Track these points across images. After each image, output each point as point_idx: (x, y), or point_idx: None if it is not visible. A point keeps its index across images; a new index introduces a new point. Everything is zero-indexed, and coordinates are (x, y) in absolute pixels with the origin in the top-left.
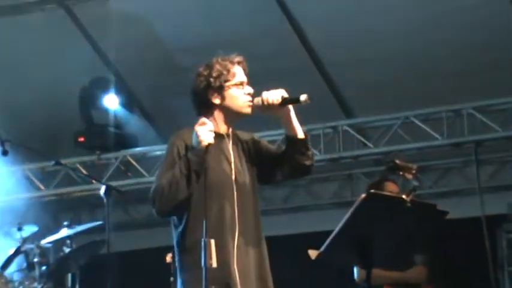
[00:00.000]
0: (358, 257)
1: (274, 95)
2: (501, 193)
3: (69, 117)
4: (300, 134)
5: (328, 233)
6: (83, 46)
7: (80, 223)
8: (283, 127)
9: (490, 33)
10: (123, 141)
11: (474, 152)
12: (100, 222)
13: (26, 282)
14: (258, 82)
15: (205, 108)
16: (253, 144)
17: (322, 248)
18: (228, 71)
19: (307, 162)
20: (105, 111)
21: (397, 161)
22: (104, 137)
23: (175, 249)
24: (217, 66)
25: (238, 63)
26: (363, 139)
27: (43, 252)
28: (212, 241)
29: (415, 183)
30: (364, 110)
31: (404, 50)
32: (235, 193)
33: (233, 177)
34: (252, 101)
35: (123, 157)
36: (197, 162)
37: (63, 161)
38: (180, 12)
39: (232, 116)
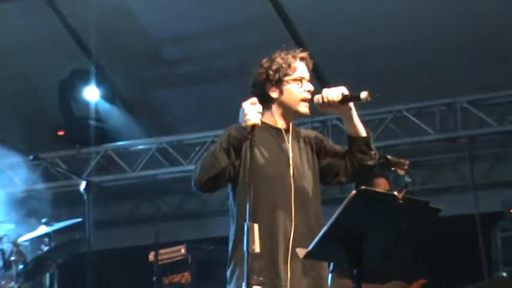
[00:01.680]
0: (347, 256)
1: (335, 92)
2: (496, 190)
3: (48, 110)
4: (362, 133)
5: None
6: (63, 36)
7: (58, 220)
8: (345, 126)
9: (485, 25)
10: (104, 135)
11: (468, 148)
12: (80, 220)
13: (2, 282)
14: (246, 72)
15: (264, 101)
16: (316, 142)
17: (311, 247)
18: (289, 65)
19: (370, 162)
20: (86, 103)
21: (389, 157)
22: (85, 130)
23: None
24: (279, 60)
25: (302, 58)
26: None
27: (20, 250)
28: (255, 225)
29: (408, 179)
30: (355, 104)
31: (397, 42)
32: (292, 189)
33: (291, 172)
34: (312, 99)
35: (104, 151)
36: (237, 138)
37: (42, 155)
38: (165, 1)
39: (289, 112)
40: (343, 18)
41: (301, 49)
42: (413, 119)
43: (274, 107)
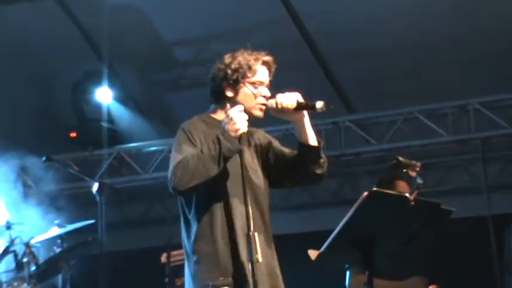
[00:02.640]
0: (359, 258)
1: (289, 99)
2: (508, 192)
3: (61, 112)
4: (313, 142)
5: (329, 232)
6: (76, 38)
7: (71, 222)
8: (296, 132)
9: (498, 25)
10: (117, 136)
11: (481, 149)
12: (92, 221)
13: (15, 283)
14: None
15: (218, 98)
16: (266, 144)
17: (323, 248)
18: (250, 67)
19: (319, 171)
20: (98, 105)
21: (401, 158)
22: (97, 132)
23: (185, 238)
24: (240, 59)
25: (264, 62)
26: (365, 135)
27: (33, 252)
28: (256, 234)
29: (419, 181)
30: (367, 106)
31: (409, 43)
32: (247, 188)
33: (243, 172)
34: (266, 104)
35: (116, 153)
36: (230, 150)
37: (54, 157)
38: (178, 3)
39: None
40: (355, 19)
41: (265, 52)
42: (425, 120)
43: (228, 106)
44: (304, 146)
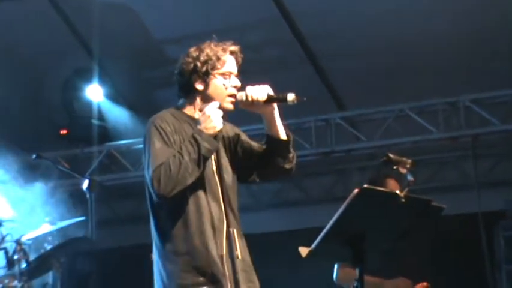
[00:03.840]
0: (350, 255)
1: (259, 92)
2: (499, 189)
3: (51, 109)
4: (282, 135)
5: (319, 229)
6: (66, 35)
7: (61, 219)
8: (265, 126)
9: (489, 21)
10: (107, 133)
11: (471, 146)
12: (83, 218)
13: (6, 281)
14: (248, 73)
15: (187, 92)
16: (234, 137)
17: (313, 246)
18: (218, 58)
19: (287, 166)
20: (88, 102)
21: (391, 155)
22: (87, 129)
23: (156, 237)
24: (208, 51)
25: (232, 52)
26: (356, 132)
27: (23, 249)
28: (235, 231)
29: (410, 178)
30: (357, 102)
31: (399, 39)
32: (218, 184)
33: (214, 167)
34: (236, 95)
35: (106, 150)
36: (210, 150)
37: (44, 154)
38: (169, 1)
39: None
40: (346, 17)
41: (232, 42)
42: (416, 117)
43: (197, 99)
44: (273, 140)
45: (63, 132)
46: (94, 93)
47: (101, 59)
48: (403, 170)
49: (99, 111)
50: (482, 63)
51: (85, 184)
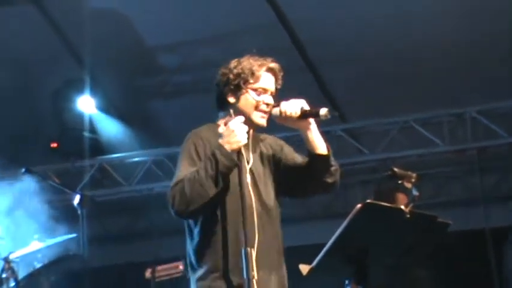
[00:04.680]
0: (353, 273)
1: (293, 107)
2: (507, 203)
3: (41, 121)
4: (322, 149)
5: (320, 246)
6: (55, 44)
7: (51, 236)
8: (304, 141)
9: (495, 32)
10: (99, 147)
11: (478, 159)
12: (74, 235)
13: None
14: None
15: (221, 104)
16: (278, 151)
17: (314, 263)
18: (253, 72)
19: (329, 180)
20: (80, 114)
21: (396, 169)
22: (78, 142)
23: (191, 254)
24: (244, 64)
25: (269, 69)
26: (358, 145)
27: (12, 267)
28: (253, 251)
29: (415, 192)
30: (360, 114)
31: (403, 49)
32: (253, 198)
33: (249, 180)
34: (270, 112)
35: (98, 164)
36: (227, 167)
37: (34, 169)
38: (162, 7)
39: (246, 121)
40: (347, 25)
41: (272, 59)
42: (421, 129)
43: (231, 112)
44: (312, 155)
45: (54, 145)
46: (85, 104)
47: (93, 69)
48: (408, 185)
49: (91, 123)
50: (489, 72)
51: (76, 199)
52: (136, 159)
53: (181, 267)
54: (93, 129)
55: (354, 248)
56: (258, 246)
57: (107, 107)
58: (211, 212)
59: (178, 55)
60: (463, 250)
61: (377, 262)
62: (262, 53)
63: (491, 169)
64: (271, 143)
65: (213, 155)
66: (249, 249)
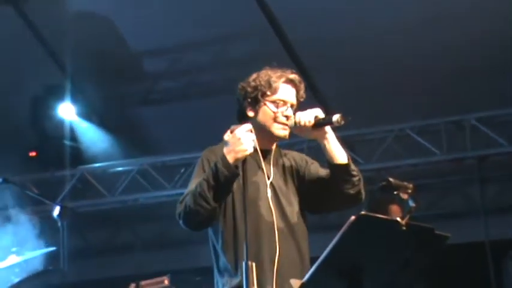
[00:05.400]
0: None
1: (307, 116)
2: (507, 215)
3: (19, 129)
4: (341, 159)
5: (313, 259)
6: (35, 49)
7: (30, 249)
8: (323, 151)
9: (496, 38)
10: (80, 156)
11: (477, 169)
12: (53, 249)
13: None
14: (235, 88)
15: (242, 119)
16: (301, 166)
17: (306, 277)
18: (270, 85)
19: (351, 191)
20: (60, 122)
21: (391, 179)
22: (59, 151)
23: (214, 269)
24: (262, 76)
25: (288, 81)
26: (352, 154)
27: None
28: (254, 264)
29: (412, 204)
30: (354, 122)
31: (399, 55)
32: (273, 213)
33: (269, 194)
34: (287, 124)
35: (80, 174)
36: (227, 178)
37: (11, 178)
38: (147, 10)
39: (266, 134)
40: (341, 30)
41: (291, 70)
42: (418, 138)
43: (252, 126)
44: (331, 165)
45: (32, 154)
46: (66, 111)
47: (74, 75)
48: (404, 196)
49: (72, 131)
50: (489, 79)
51: (56, 211)
52: (119, 168)
53: (166, 282)
54: (74, 138)
55: (347, 263)
56: (278, 261)
57: (89, 114)
58: (233, 227)
59: (164, 60)
60: (462, 264)
61: (371, 278)
62: (251, 57)
63: (491, 179)
64: (296, 157)
65: (215, 165)
66: (250, 262)
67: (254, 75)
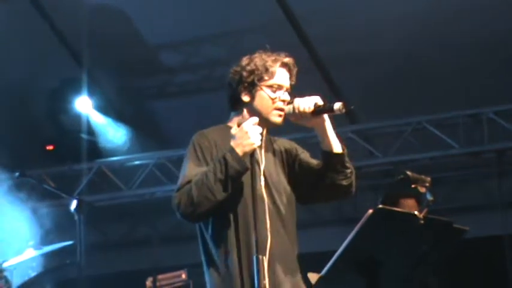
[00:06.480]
0: (364, 282)
1: (306, 103)
2: None
3: (36, 123)
4: (336, 149)
5: (329, 253)
6: (52, 43)
7: (47, 243)
8: (319, 139)
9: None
10: (97, 149)
11: (496, 163)
12: (70, 242)
13: None
14: None
15: (234, 104)
16: (291, 154)
17: (324, 272)
18: (267, 69)
19: (344, 182)
20: (77, 115)
21: (409, 173)
22: (76, 144)
23: (203, 259)
24: (257, 61)
25: (283, 64)
26: (369, 147)
27: (5, 276)
28: (265, 258)
29: (429, 197)
30: (371, 115)
31: (417, 47)
32: (266, 201)
33: (262, 183)
34: (284, 109)
35: (97, 168)
36: (238, 172)
37: (29, 172)
38: (164, 3)
39: (260, 120)
40: (357, 22)
41: (285, 53)
42: (435, 131)
43: (245, 111)
44: (326, 154)
45: (49, 147)
46: (83, 105)
47: (91, 68)
48: (422, 189)
49: (89, 125)
50: (507, 71)
51: (73, 205)
52: (137, 162)
53: (184, 276)
54: (91, 131)
55: (364, 257)
56: (270, 251)
57: (106, 108)
58: (224, 215)
59: (181, 54)
60: (480, 257)
61: (389, 272)
62: (268, 51)
63: (509, 172)
64: (285, 144)
65: (224, 158)
66: (260, 256)
67: (247, 60)
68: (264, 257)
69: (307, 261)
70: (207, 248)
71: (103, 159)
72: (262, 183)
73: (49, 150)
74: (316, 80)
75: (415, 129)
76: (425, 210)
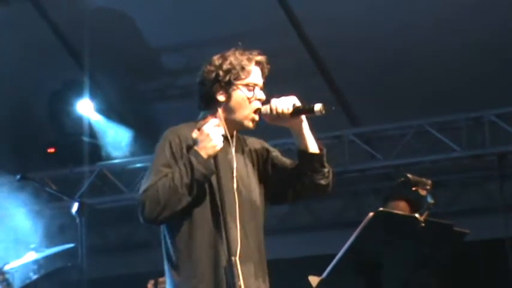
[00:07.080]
0: (365, 285)
1: (285, 104)
2: None
3: (37, 125)
4: (313, 149)
5: (331, 256)
6: (54, 45)
7: (48, 246)
8: (295, 140)
9: None
10: (99, 152)
11: (497, 166)
12: (72, 245)
13: None
14: None
15: (208, 103)
16: (262, 154)
17: (325, 274)
18: (243, 68)
19: (323, 182)
20: (79, 118)
21: (410, 176)
22: (77, 147)
23: (165, 262)
24: (232, 59)
25: (258, 63)
26: (371, 150)
27: (7, 279)
28: (237, 260)
29: (430, 200)
30: (373, 118)
31: (419, 50)
32: (237, 203)
33: (234, 184)
34: (260, 108)
35: (98, 170)
36: (204, 175)
37: (30, 175)
38: (166, 6)
39: (234, 120)
40: (359, 25)
41: (258, 51)
42: (437, 134)
43: (219, 111)
44: (304, 154)
45: (51, 150)
46: (85, 108)
47: (92, 71)
48: (423, 192)
49: (90, 128)
50: (509, 73)
51: (74, 207)
52: (138, 165)
53: None
54: (92, 134)
55: (365, 259)
56: (240, 255)
57: (108, 111)
58: (188, 220)
59: (183, 56)
60: (481, 261)
61: (390, 275)
62: (271, 54)
63: (511, 176)
64: (256, 143)
65: (190, 162)
66: (233, 258)
67: (220, 59)
68: (236, 259)
69: (309, 265)
70: (171, 253)
71: (104, 162)
72: (235, 185)
73: (50, 153)
74: (319, 83)
75: (417, 132)
76: (426, 213)
